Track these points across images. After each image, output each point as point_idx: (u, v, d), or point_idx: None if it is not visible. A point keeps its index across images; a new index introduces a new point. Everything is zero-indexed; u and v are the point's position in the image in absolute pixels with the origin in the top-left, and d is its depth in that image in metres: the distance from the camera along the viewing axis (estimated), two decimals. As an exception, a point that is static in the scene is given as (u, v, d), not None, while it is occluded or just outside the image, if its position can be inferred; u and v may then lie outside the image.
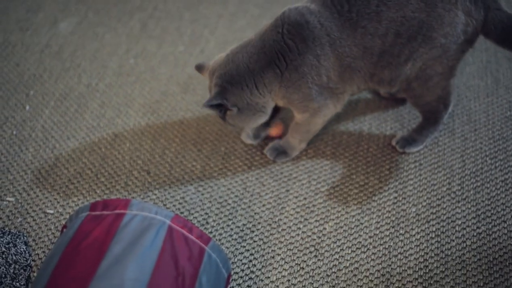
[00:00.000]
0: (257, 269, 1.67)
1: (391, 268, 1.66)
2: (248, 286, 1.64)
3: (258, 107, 1.76)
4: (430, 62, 1.73)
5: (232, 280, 1.64)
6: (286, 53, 1.70)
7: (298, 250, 1.71)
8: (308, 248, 1.71)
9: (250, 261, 1.69)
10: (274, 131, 1.93)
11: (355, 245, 1.71)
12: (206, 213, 1.79)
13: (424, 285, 1.62)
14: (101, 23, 2.48)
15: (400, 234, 1.73)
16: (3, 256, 1.64)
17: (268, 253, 1.70)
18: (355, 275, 1.65)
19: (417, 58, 1.72)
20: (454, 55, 1.74)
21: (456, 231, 1.73)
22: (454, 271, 1.64)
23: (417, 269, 1.65)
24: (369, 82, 1.78)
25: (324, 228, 1.75)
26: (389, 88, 1.81)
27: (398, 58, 1.72)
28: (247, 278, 1.65)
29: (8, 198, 1.82)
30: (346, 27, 1.68)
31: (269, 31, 1.72)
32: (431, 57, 1.72)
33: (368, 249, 1.70)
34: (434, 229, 1.74)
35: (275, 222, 1.76)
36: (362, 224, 1.75)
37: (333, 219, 1.77)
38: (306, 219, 1.77)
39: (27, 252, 1.67)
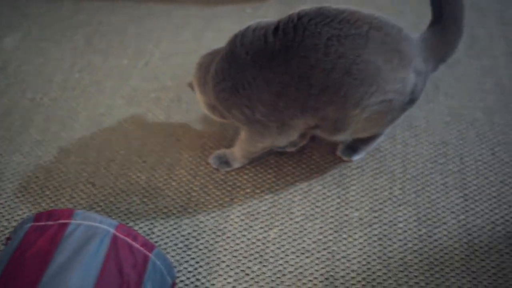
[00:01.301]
0: (202, 277, 1.68)
1: (335, 272, 1.68)
2: (193, 293, 1.65)
3: None
4: (375, 115, 1.72)
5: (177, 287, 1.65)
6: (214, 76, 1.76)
7: (243, 257, 1.72)
8: (253, 254, 1.72)
9: (196, 269, 1.70)
10: None
11: (299, 250, 1.73)
12: (152, 223, 1.79)
13: (367, 287, 1.64)
14: (46, 38, 2.48)
15: (343, 238, 1.75)
16: None
17: (214, 260, 1.71)
18: (299, 280, 1.67)
19: (366, 108, 1.68)
20: (397, 113, 1.76)
21: (398, 234, 1.76)
22: (397, 272, 1.67)
23: (360, 272, 1.68)
24: (315, 117, 1.75)
25: (269, 235, 1.77)
26: (335, 132, 1.79)
27: (345, 98, 1.66)
28: (192, 286, 1.66)
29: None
30: (281, 54, 1.66)
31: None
32: (378, 110, 1.70)
33: (312, 254, 1.72)
34: (376, 232, 1.76)
35: (220, 230, 1.78)
36: (306, 229, 1.78)
37: (277, 226, 1.79)
38: (250, 226, 1.79)
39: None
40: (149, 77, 2.25)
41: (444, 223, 1.78)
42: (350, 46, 1.62)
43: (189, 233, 1.77)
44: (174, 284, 1.54)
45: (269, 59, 1.68)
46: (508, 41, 2.41)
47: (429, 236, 1.76)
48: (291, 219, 1.80)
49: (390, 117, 1.76)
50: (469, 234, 1.76)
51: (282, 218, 1.81)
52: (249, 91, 1.71)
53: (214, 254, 1.72)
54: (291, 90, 1.68)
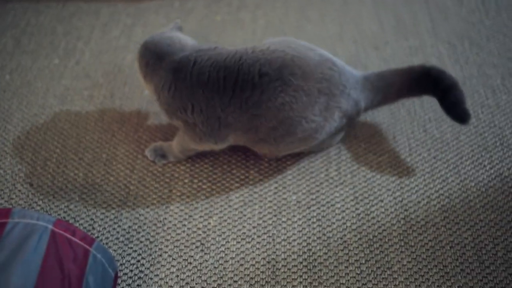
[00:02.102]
0: (145, 268, 1.68)
1: (276, 255, 1.70)
2: (138, 285, 1.65)
3: None
4: (303, 143, 1.83)
5: (121, 281, 1.65)
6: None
7: (185, 246, 1.73)
8: (194, 243, 1.74)
9: (138, 261, 1.70)
10: None
11: (240, 236, 1.75)
12: (92, 219, 1.79)
13: (308, 267, 1.67)
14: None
15: (282, 221, 1.77)
16: None
17: (156, 251, 1.72)
18: (241, 265, 1.68)
19: (290, 143, 1.83)
20: (331, 136, 1.87)
21: (336, 214, 1.79)
22: (337, 251, 1.70)
23: (301, 253, 1.70)
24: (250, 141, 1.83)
25: (209, 223, 1.78)
26: (262, 145, 1.85)
27: (268, 136, 1.81)
28: (136, 277, 1.66)
29: None
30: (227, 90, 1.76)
31: None
32: (304, 139, 1.81)
33: (252, 239, 1.74)
34: (315, 214, 1.79)
35: (160, 221, 1.79)
36: (245, 215, 1.79)
37: (217, 214, 1.80)
38: (190, 216, 1.80)
39: None
40: (80, 76, 2.24)
41: (381, 201, 1.82)
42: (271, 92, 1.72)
43: (129, 226, 1.77)
44: (116, 275, 1.55)
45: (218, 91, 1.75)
46: (432, 19, 2.46)
47: (367, 214, 1.79)
48: (230, 206, 1.82)
49: (322, 139, 1.83)
50: (406, 210, 1.80)
51: (221, 206, 1.82)
52: (197, 109, 1.77)
53: (156, 246, 1.73)
54: (229, 118, 1.76)
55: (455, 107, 1.78)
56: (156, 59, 1.81)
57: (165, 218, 1.79)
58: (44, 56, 2.36)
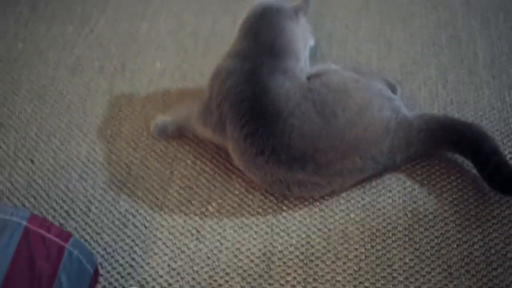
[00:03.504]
0: (137, 256, 1.64)
1: (273, 247, 1.63)
2: (128, 273, 1.61)
3: None
4: None
5: (112, 268, 1.61)
6: None
7: (180, 234, 1.68)
8: (190, 230, 1.68)
9: (131, 247, 1.65)
10: None
11: (238, 224, 1.69)
12: (89, 200, 1.75)
13: (304, 262, 1.60)
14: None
15: (283, 210, 1.70)
16: None
17: (150, 238, 1.67)
18: (235, 256, 1.62)
19: None
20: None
21: (340, 203, 1.71)
22: (336, 245, 1.63)
23: (299, 246, 1.63)
24: None
25: (207, 209, 1.72)
26: None
27: None
28: (127, 265, 1.62)
29: None
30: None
31: None
32: None
33: (250, 228, 1.68)
34: (318, 203, 1.71)
35: (158, 206, 1.73)
36: (245, 202, 1.73)
37: (216, 199, 1.74)
38: (189, 201, 1.74)
39: None
40: (93, 45, 2.19)
41: (389, 191, 1.73)
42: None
43: (126, 210, 1.73)
44: (96, 272, 1.49)
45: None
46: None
47: (373, 206, 1.70)
48: (230, 191, 1.76)
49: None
50: (414, 202, 1.71)
51: (222, 191, 1.76)
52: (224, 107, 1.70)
53: (150, 231, 1.68)
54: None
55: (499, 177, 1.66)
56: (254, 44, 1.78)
57: (163, 202, 1.73)
58: (59, 23, 2.31)
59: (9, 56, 2.18)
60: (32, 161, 1.84)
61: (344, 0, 2.34)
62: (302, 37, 1.85)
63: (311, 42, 1.96)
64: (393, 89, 1.84)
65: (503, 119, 1.86)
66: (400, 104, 1.73)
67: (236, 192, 1.74)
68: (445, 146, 1.72)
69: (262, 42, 1.76)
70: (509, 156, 1.79)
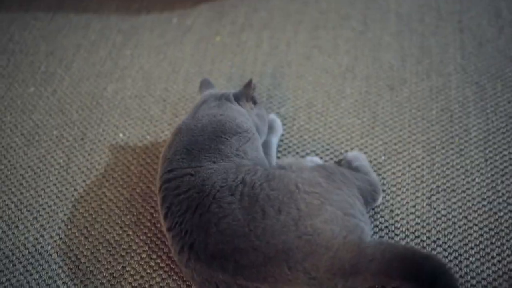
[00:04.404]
0: None
1: None
2: None
3: None
4: None
5: None
6: None
7: None
8: None
9: None
10: None
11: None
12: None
13: None
14: None
15: None
16: None
17: None
18: None
19: None
20: None
21: None
22: None
23: None
24: None
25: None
26: None
27: None
28: None
29: None
30: None
31: None
32: None
33: None
34: None
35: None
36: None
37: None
38: (138, 306, 1.56)
39: None
40: (54, 109, 2.04)
41: None
42: None
43: None
44: None
45: None
46: (463, 52, 2.13)
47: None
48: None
49: None
50: None
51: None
52: None
53: None
54: None
55: None
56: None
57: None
58: (19, 83, 2.14)
59: (-40, 119, 2.02)
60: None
61: (328, 60, 2.14)
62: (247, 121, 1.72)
63: (277, 131, 1.85)
64: (374, 197, 1.65)
65: (493, 213, 1.68)
66: (361, 225, 1.52)
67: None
68: (400, 279, 1.48)
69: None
70: (497, 259, 1.61)
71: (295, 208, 1.45)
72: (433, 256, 1.46)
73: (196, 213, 1.49)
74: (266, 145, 1.81)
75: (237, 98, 1.78)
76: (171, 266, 1.65)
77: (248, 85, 1.79)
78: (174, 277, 1.63)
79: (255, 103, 1.82)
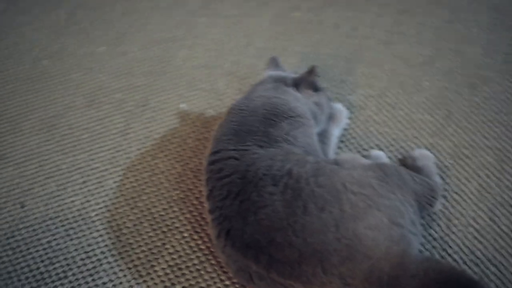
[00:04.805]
0: None
1: None
2: None
3: None
4: None
5: None
6: None
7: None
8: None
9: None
10: None
11: None
12: (68, 265, 1.58)
13: None
14: (23, 13, 2.24)
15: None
16: None
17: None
18: None
19: None
20: None
21: None
22: None
23: None
24: None
25: None
26: None
27: None
28: None
29: None
30: None
31: None
32: None
33: None
34: None
35: (139, 284, 1.52)
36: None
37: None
38: (173, 284, 1.51)
39: None
40: (121, 72, 2.02)
41: None
42: None
43: (104, 284, 1.55)
44: None
45: None
46: None
47: None
48: (221, 281, 1.52)
49: None
50: None
51: (211, 278, 1.52)
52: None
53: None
54: None
55: None
56: None
57: (145, 281, 1.54)
58: (91, 39, 2.12)
59: (30, 74, 2.01)
60: (22, 206, 1.69)
61: (408, 49, 2.04)
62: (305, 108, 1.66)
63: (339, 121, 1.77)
64: (431, 202, 1.54)
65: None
66: (408, 237, 1.41)
67: (227, 283, 1.52)
68: None
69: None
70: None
71: (338, 208, 1.36)
72: (482, 284, 1.35)
73: (236, 200, 1.42)
74: (324, 134, 1.72)
75: (296, 83, 1.71)
76: (211, 249, 1.58)
77: (311, 72, 1.71)
78: (212, 261, 1.57)
79: (316, 90, 1.72)
